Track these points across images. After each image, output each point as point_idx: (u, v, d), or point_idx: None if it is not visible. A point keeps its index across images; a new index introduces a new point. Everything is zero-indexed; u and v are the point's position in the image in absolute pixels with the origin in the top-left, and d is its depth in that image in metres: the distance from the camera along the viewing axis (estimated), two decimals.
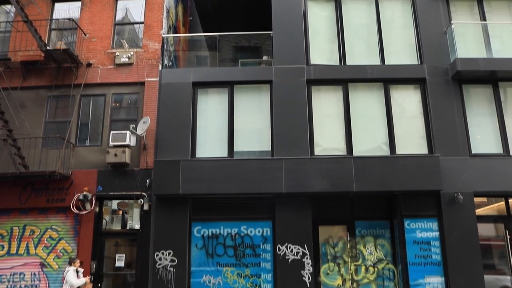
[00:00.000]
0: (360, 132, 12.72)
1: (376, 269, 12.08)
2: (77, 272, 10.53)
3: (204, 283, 11.78)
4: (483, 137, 12.88)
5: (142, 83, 13.26)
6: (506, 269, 12.03)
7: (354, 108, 12.93)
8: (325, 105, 13.01)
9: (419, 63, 13.29)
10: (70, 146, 12.79)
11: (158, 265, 11.66)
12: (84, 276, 10.74)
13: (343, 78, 13.04)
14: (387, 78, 13.04)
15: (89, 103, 13.43)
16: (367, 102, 13.03)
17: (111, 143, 12.41)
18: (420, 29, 13.47)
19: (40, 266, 12.19)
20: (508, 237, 12.14)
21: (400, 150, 12.57)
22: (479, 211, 12.35)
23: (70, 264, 10.59)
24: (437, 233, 11.99)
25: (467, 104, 13.01)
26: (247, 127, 12.87)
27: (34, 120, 13.14)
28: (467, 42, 13.36)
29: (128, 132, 12.42)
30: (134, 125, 12.69)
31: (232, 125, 12.78)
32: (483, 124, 13.00)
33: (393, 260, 12.12)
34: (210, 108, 13.05)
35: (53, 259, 12.22)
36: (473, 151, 12.58)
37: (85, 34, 13.79)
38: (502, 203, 12.56)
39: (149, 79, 13.25)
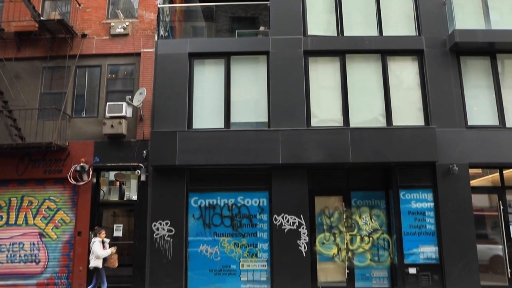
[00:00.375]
0: (357, 104, 12.71)
1: (371, 239, 12.24)
2: (103, 243, 10.57)
3: (201, 253, 11.94)
4: (480, 109, 12.89)
5: (138, 54, 13.15)
6: (499, 238, 12.21)
7: (351, 80, 12.88)
8: (322, 76, 12.95)
9: (417, 34, 13.20)
10: (66, 117, 12.76)
11: (156, 235, 11.78)
12: (109, 247, 10.74)
13: (341, 49, 12.95)
14: (384, 50, 12.96)
15: (85, 74, 13.34)
16: (364, 74, 12.98)
17: (107, 115, 12.39)
18: (418, 0, 13.33)
19: (39, 236, 12.31)
20: (502, 207, 12.28)
21: (397, 121, 12.59)
22: (474, 182, 12.45)
23: (95, 235, 10.60)
24: (431, 204, 12.11)
25: (465, 76, 12.98)
26: (244, 98, 12.83)
27: (30, 91, 13.06)
28: (466, 14, 13.22)
29: (124, 103, 12.38)
30: (130, 96, 12.62)
31: (229, 96, 12.74)
32: (480, 96, 13.00)
33: (388, 230, 12.28)
34: (207, 79, 12.98)
35: (52, 229, 12.33)
36: (469, 123, 12.62)
37: (79, 4, 13.59)
38: (497, 174, 12.66)
39: (145, 50, 13.14)
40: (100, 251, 10.32)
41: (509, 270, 11.87)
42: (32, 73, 13.26)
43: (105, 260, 10.47)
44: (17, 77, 13.11)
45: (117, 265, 10.67)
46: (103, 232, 10.75)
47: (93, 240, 10.53)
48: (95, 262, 10.32)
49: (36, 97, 13.07)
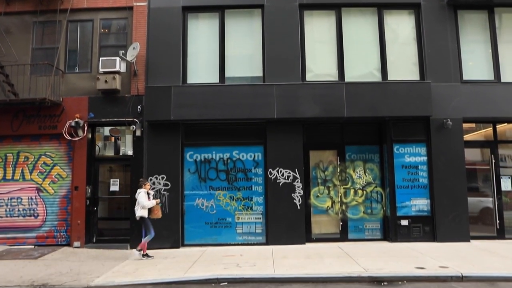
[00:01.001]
0: (352, 58, 12.64)
1: (364, 192, 12.44)
2: (148, 194, 10.69)
3: (197, 206, 12.12)
4: (475, 64, 12.87)
5: (131, 8, 12.92)
6: (489, 191, 12.44)
7: (347, 34, 12.76)
8: (318, 30, 12.82)
9: None
10: (59, 73, 12.65)
11: (152, 189, 11.89)
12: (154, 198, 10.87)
13: (336, 3, 12.76)
14: (381, 3, 12.78)
15: (77, 29, 13.14)
16: (360, 28, 12.85)
17: (101, 70, 12.29)
18: None
19: (36, 191, 12.43)
20: (493, 161, 12.45)
21: (392, 76, 12.56)
22: (467, 137, 12.58)
23: (140, 186, 10.69)
24: (425, 158, 12.25)
25: (461, 30, 12.88)
26: (239, 53, 12.72)
27: (21, 46, 12.91)
28: None
29: (117, 58, 12.27)
30: (123, 51, 12.49)
31: (223, 51, 12.62)
32: (476, 50, 12.96)
33: (381, 184, 12.47)
34: (201, 34, 12.82)
35: (49, 184, 12.45)
36: (465, 77, 12.62)
37: None
38: (490, 129, 12.77)
39: (138, 4, 12.90)
40: (146, 201, 10.45)
41: (497, 221, 12.17)
42: (23, 28, 13.06)
43: (149, 211, 10.59)
44: (7, 32, 12.92)
45: (161, 215, 10.79)
46: (148, 183, 10.88)
47: (138, 191, 10.64)
48: (141, 212, 10.47)
49: (27, 53, 12.93)
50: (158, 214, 10.70)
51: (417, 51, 12.72)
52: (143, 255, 10.44)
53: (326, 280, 8.18)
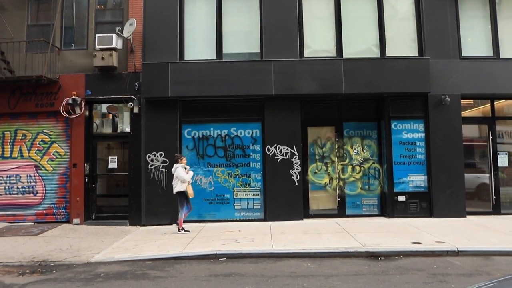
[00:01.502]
0: (350, 34, 12.54)
1: (362, 168, 12.50)
2: (185, 169, 10.75)
3: (195, 183, 12.15)
4: (474, 40, 12.80)
5: None
6: (486, 167, 12.51)
7: (345, 9, 12.62)
8: (316, 6, 12.68)
9: None
10: (56, 50, 12.53)
11: (150, 166, 11.96)
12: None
13: None
14: None
15: (72, 5, 12.97)
16: (358, 3, 12.71)
17: (97, 47, 12.16)
18: None
19: (34, 169, 12.45)
20: (491, 137, 12.49)
21: (391, 52, 12.48)
22: (465, 113, 12.59)
23: (176, 161, 10.74)
24: (422, 134, 12.28)
25: (461, 6, 12.74)
26: (236, 29, 12.61)
27: (16, 23, 12.73)
28: None
29: (114, 35, 12.13)
30: (120, 28, 12.34)
31: (221, 27, 12.50)
32: (475, 26, 12.87)
33: (379, 160, 12.52)
34: (198, 9, 12.68)
35: (47, 161, 12.46)
36: (464, 53, 12.54)
37: None
38: (488, 105, 12.77)
39: None
40: (185, 175, 10.50)
41: (494, 197, 12.26)
42: (17, 5, 12.88)
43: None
44: (2, 9, 12.75)
45: (193, 194, 10.86)
46: (184, 158, 10.91)
47: (175, 166, 10.68)
48: (181, 187, 10.54)
49: (23, 30, 12.78)
50: (192, 193, 10.74)
51: (416, 27, 12.62)
52: (179, 229, 10.60)
53: (324, 255, 8.27)
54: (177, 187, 10.53)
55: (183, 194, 10.59)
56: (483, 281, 3.10)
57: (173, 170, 10.68)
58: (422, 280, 6.54)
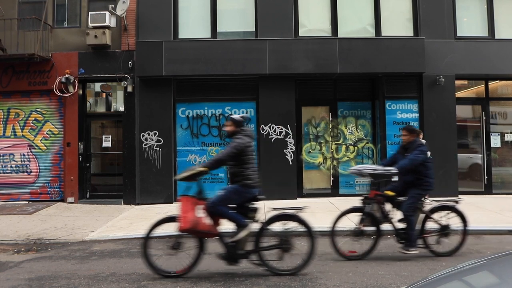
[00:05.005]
0: (346, 13, 12.45)
1: (356, 148, 12.56)
2: None
3: (189, 162, 12.18)
4: (470, 20, 12.76)
5: None
6: (479, 148, 12.61)
7: None
8: None
9: None
10: (48, 27, 12.37)
11: (145, 145, 11.95)
12: None
13: None
14: None
15: None
16: None
17: (90, 25, 12.02)
18: None
19: (28, 147, 12.42)
20: (484, 118, 12.55)
21: (386, 32, 12.42)
22: (459, 94, 12.62)
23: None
24: (416, 114, 12.32)
25: None
26: (231, 7, 12.49)
27: (7, 0, 12.52)
28: None
29: (107, 13, 11.98)
30: (113, 5, 12.17)
31: (215, 5, 12.35)
32: (471, 6, 12.82)
33: (372, 140, 12.57)
34: None
35: (41, 140, 12.42)
36: (459, 34, 12.51)
37: None
38: (482, 86, 12.80)
39: None
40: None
41: (486, 177, 12.39)
42: None
43: None
44: None
45: None
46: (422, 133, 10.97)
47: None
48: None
49: (14, 6, 12.58)
50: None
51: (411, 7, 12.53)
52: None
53: (317, 234, 8.33)
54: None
55: None
56: (474, 259, 3.15)
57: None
58: (414, 258, 6.63)
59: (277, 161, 11.92)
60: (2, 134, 12.49)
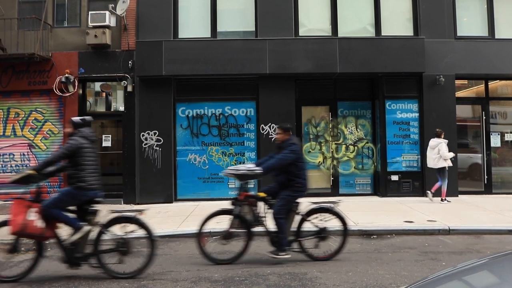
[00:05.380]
0: (346, 13, 12.45)
1: (356, 147, 12.56)
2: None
3: (189, 161, 12.19)
4: (470, 20, 12.76)
5: None
6: (479, 147, 12.61)
7: None
8: None
9: None
10: (48, 27, 12.36)
11: (144, 144, 11.95)
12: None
13: None
14: None
15: None
16: None
17: (90, 24, 12.02)
18: None
19: (28, 147, 12.41)
20: (484, 118, 12.55)
21: (386, 31, 12.41)
22: (459, 93, 12.62)
23: (439, 136, 10.96)
24: (416, 114, 12.32)
25: None
26: (231, 7, 12.50)
27: (7, 0, 12.51)
28: None
29: (107, 12, 11.98)
30: (113, 5, 12.17)
31: (215, 5, 12.35)
32: (471, 6, 12.82)
33: (372, 139, 12.57)
34: None
35: (41, 140, 12.42)
36: (459, 33, 12.51)
37: None
38: (482, 85, 12.80)
39: None
40: (448, 153, 10.77)
41: (486, 177, 12.40)
42: None
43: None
44: None
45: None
46: (443, 134, 11.10)
47: (438, 141, 10.89)
48: (442, 163, 10.79)
49: (14, 6, 12.56)
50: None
51: (411, 7, 12.54)
52: (442, 199, 10.95)
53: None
54: (440, 163, 10.81)
55: (445, 169, 10.88)
56: (474, 258, 3.15)
57: (432, 143, 10.95)
58: (414, 258, 6.64)
59: None
60: (2, 133, 12.48)
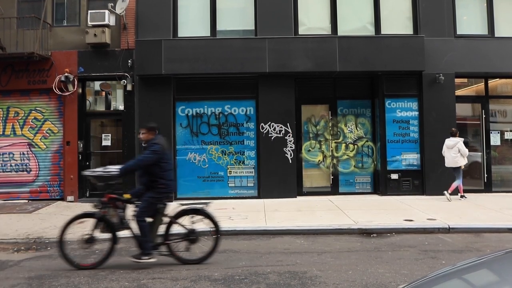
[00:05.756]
0: (345, 12, 12.44)
1: (355, 146, 12.55)
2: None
3: (189, 160, 12.19)
4: (470, 18, 12.75)
5: None
6: (479, 146, 12.61)
7: None
8: None
9: None
10: (47, 26, 12.35)
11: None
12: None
13: None
14: None
15: None
16: None
17: (89, 23, 12.02)
18: None
19: (28, 146, 12.41)
20: (484, 116, 12.55)
21: (386, 30, 12.41)
22: (459, 92, 12.61)
23: (454, 135, 11.14)
24: (416, 113, 12.32)
25: None
26: (230, 6, 12.47)
27: None
28: None
29: (107, 11, 11.97)
30: (112, 4, 12.16)
31: (215, 3, 12.33)
32: (470, 4, 12.81)
33: (372, 138, 12.57)
34: None
35: (40, 139, 12.42)
36: (459, 32, 12.50)
37: None
38: (482, 84, 12.80)
39: None
40: (466, 151, 11.00)
41: (485, 175, 12.40)
42: None
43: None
44: None
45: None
46: (458, 132, 11.29)
47: (456, 139, 11.04)
48: (462, 161, 11.01)
49: (13, 5, 12.56)
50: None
51: (411, 5, 12.53)
52: (461, 196, 11.22)
53: (317, 232, 8.36)
54: (460, 161, 10.98)
55: (460, 168, 11.09)
56: (473, 257, 3.15)
57: (449, 142, 11.13)
58: (414, 257, 6.64)
59: (276, 159, 11.91)
60: (1, 133, 12.48)
